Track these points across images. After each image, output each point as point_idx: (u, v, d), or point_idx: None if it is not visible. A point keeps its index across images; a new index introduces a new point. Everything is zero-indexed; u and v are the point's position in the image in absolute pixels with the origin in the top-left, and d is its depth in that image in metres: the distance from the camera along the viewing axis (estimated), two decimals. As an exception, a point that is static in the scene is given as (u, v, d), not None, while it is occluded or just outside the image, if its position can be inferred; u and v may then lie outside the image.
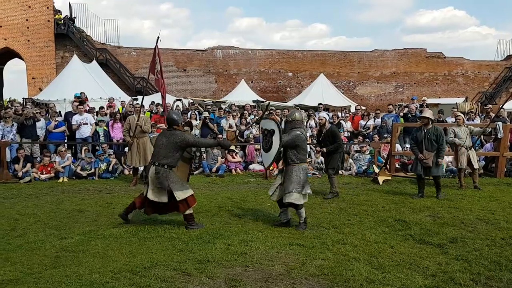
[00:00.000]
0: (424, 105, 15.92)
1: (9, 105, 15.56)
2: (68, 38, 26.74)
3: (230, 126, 13.59)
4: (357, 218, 7.05)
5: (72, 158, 11.75)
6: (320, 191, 9.40)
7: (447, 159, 12.10)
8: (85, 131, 12.21)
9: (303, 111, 16.46)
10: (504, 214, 7.36)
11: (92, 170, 11.28)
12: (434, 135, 8.66)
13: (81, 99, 14.41)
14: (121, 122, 12.38)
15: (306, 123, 14.02)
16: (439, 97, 28.99)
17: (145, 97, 11.75)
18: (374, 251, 5.34)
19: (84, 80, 18.26)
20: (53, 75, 24.94)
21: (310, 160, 12.83)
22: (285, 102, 25.51)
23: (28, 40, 25.91)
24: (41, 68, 26.12)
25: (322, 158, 12.54)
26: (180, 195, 6.18)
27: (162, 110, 13.34)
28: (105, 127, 12.53)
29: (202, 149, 12.55)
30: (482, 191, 9.54)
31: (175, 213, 7.10)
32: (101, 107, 13.72)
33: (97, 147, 12.18)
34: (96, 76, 20.03)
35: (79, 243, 5.58)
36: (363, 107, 17.68)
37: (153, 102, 15.72)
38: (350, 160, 12.44)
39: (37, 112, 12.69)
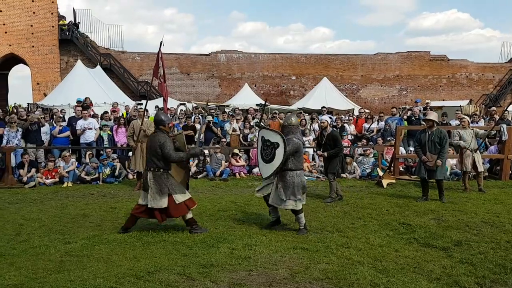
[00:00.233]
0: (428, 108, 15.88)
1: (14, 111, 15.63)
2: (73, 43, 26.87)
3: (234, 130, 13.61)
4: (361, 222, 7.04)
5: (77, 163, 11.79)
6: (324, 195, 9.39)
7: (452, 161, 12.06)
8: (90, 136, 12.25)
9: (306, 114, 16.50)
10: (509, 217, 7.33)
11: (96, 175, 11.32)
12: (438, 138, 8.64)
13: (85, 104, 14.48)
14: (125, 126, 12.43)
15: (310, 126, 14.03)
16: (443, 100, 28.92)
17: (149, 101, 11.81)
18: (378, 255, 5.32)
19: (88, 85, 18.35)
20: (58, 81, 25.05)
21: (314, 163, 12.84)
22: (289, 106, 25.52)
23: (33, 46, 26.05)
24: (46, 73, 26.24)
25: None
26: (179, 198, 6.17)
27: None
28: (109, 132, 12.57)
29: (206, 153, 12.58)
30: (487, 194, 9.51)
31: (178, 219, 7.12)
32: (105, 112, 13.77)
33: (101, 152, 12.21)
34: (100, 81, 20.12)
35: (84, 248, 5.60)
36: (366, 110, 17.64)
37: (157, 107, 15.78)
38: (354, 163, 12.43)
39: (41, 117, 12.75)
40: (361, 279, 4.55)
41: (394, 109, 14.67)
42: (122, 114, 15.04)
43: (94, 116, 13.36)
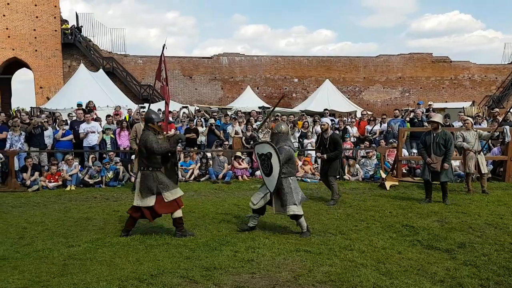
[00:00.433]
0: (431, 109, 15.86)
1: (18, 115, 15.69)
2: (75, 47, 26.98)
3: (236, 133, 13.62)
4: (364, 224, 7.02)
5: (80, 166, 11.82)
6: (326, 197, 9.38)
7: (455, 163, 12.03)
8: (93, 139, 12.28)
9: (309, 116, 16.50)
10: (513, 218, 7.30)
11: (99, 178, 11.35)
12: (442, 139, 8.62)
13: (89, 108, 14.52)
14: (128, 130, 12.45)
15: (312, 128, 14.03)
16: (446, 102, 28.88)
17: (151, 104, 11.84)
18: (381, 257, 5.31)
19: (91, 88, 18.41)
20: (61, 84, 25.16)
21: (317, 166, 12.82)
22: (291, 108, 25.52)
23: (36, 50, 26.18)
24: (49, 77, 26.36)
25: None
26: (168, 196, 6.15)
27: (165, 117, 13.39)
28: (112, 135, 12.60)
29: (209, 156, 12.59)
30: (490, 196, 9.48)
31: (183, 220, 7.12)
32: (108, 115, 13.80)
33: (104, 155, 12.24)
34: (103, 84, 20.18)
35: (87, 251, 5.60)
36: (369, 112, 17.64)
37: (159, 110, 15.80)
38: (357, 166, 12.41)
39: (44, 121, 12.79)
40: (364, 281, 4.54)
41: (397, 111, 14.66)
42: (125, 118, 15.07)
43: (97, 119, 13.38)
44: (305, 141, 13.37)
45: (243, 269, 4.93)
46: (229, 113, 18.52)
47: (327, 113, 16.29)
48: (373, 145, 13.39)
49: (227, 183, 11.68)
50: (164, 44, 10.27)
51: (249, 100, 23.97)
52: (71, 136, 12.31)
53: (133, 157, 11.30)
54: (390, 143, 12.63)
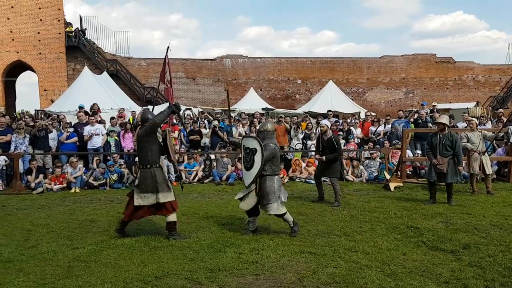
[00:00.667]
0: (435, 110, 15.82)
1: (22, 117, 15.75)
2: (79, 50, 27.08)
3: (240, 134, 13.62)
4: (369, 225, 7.01)
5: (84, 168, 11.85)
6: (330, 199, 9.37)
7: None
8: (97, 142, 12.33)
9: (312, 118, 16.48)
10: (518, 219, 7.27)
11: (104, 181, 11.38)
12: (449, 141, 8.60)
13: (93, 110, 14.56)
14: (132, 132, 12.49)
15: (316, 130, 14.01)
16: (450, 102, 28.81)
17: (155, 107, 11.85)
18: (386, 259, 5.30)
19: (95, 91, 18.43)
20: (65, 87, 25.22)
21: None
22: (295, 110, 25.50)
23: (40, 53, 26.28)
24: (53, 80, 26.44)
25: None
26: (161, 197, 6.13)
27: (181, 119, 13.43)
28: (116, 137, 12.63)
29: (212, 157, 12.60)
30: (495, 196, 9.45)
31: (188, 221, 7.14)
32: (112, 118, 13.84)
33: (109, 157, 12.27)
34: (107, 87, 20.22)
35: (91, 253, 5.61)
36: (373, 113, 17.59)
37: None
38: (361, 167, 12.39)
39: (49, 124, 12.84)
40: (369, 283, 4.53)
41: (401, 112, 14.62)
42: (129, 120, 15.10)
43: (101, 121, 13.43)
44: (309, 142, 13.36)
45: (247, 271, 4.93)
46: (232, 115, 18.52)
47: (331, 114, 16.27)
48: (377, 146, 13.37)
49: (231, 184, 11.69)
50: (168, 46, 10.29)
51: (252, 102, 23.95)
52: (75, 139, 12.35)
53: (137, 159, 11.32)
54: (393, 144, 12.60)
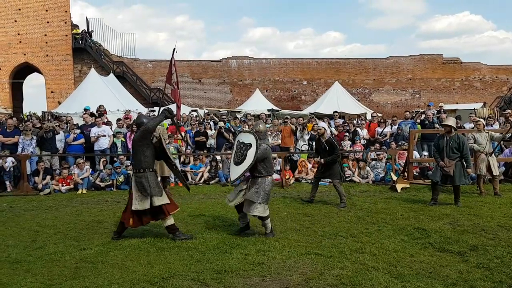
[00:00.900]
0: (442, 111, 15.74)
1: (29, 119, 15.86)
2: (86, 52, 27.23)
3: (246, 136, 13.59)
4: (376, 227, 6.99)
5: (91, 169, 11.90)
6: (336, 200, 9.35)
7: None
8: (103, 143, 12.38)
9: (318, 119, 16.44)
10: (526, 220, 7.22)
11: (110, 182, 11.43)
12: (456, 143, 8.55)
13: (99, 112, 14.62)
14: (138, 133, 12.49)
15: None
16: (457, 103, 28.65)
17: (161, 108, 11.89)
18: (393, 260, 5.28)
19: (101, 93, 18.51)
20: (72, 89, 25.36)
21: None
22: (300, 111, 25.49)
23: (47, 55, 26.45)
24: (60, 82, 26.60)
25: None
26: (155, 201, 6.14)
27: (174, 121, 13.42)
28: (122, 139, 12.68)
29: (218, 159, 12.60)
30: (503, 198, 9.39)
31: (193, 223, 7.15)
32: (119, 119, 13.90)
33: (115, 159, 12.32)
34: (114, 88, 20.30)
35: (98, 254, 5.64)
36: (379, 114, 17.53)
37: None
38: (367, 168, 12.36)
39: (56, 125, 12.91)
40: (376, 284, 4.51)
41: (407, 113, 14.54)
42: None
43: (108, 123, 13.48)
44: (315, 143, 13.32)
45: (253, 272, 4.93)
46: (238, 116, 18.54)
47: (337, 115, 16.24)
48: (384, 147, 13.32)
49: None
50: (174, 48, 10.32)
51: (258, 103, 23.97)
52: (82, 140, 12.41)
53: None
54: (399, 146, 12.56)
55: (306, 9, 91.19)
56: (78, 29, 27.70)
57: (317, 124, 14.58)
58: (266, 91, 29.53)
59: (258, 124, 6.78)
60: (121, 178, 11.48)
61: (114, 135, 12.69)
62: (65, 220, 7.77)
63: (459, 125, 13.42)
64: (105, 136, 12.43)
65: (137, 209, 6.14)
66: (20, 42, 26.10)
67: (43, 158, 11.80)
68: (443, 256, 5.46)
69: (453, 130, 8.70)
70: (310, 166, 12.51)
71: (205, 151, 13.38)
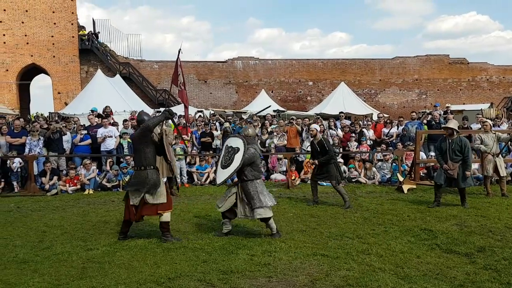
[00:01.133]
0: (449, 111, 15.67)
1: (36, 120, 15.94)
2: (92, 53, 27.34)
3: (252, 136, 13.60)
4: (382, 228, 6.96)
5: (97, 170, 11.95)
6: (342, 203, 9.34)
7: (474, 166, 11.85)
8: (110, 144, 12.43)
9: (324, 119, 16.41)
10: (534, 222, 7.16)
11: (117, 182, 11.47)
12: (458, 146, 8.50)
13: (106, 112, 14.68)
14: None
15: (327, 132, 13.97)
16: (464, 104, 28.46)
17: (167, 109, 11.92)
18: (400, 261, 5.26)
19: (108, 93, 18.58)
20: (78, 90, 25.48)
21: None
22: (306, 111, 25.45)
23: (54, 56, 26.59)
24: (66, 83, 26.73)
25: (344, 167, 12.48)
26: (149, 199, 6.15)
27: (184, 121, 13.48)
28: (129, 140, 12.71)
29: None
30: (510, 199, 9.34)
31: (199, 223, 7.17)
32: (125, 120, 13.95)
33: (122, 159, 12.37)
34: (120, 89, 20.36)
35: (105, 254, 5.66)
36: (385, 115, 17.46)
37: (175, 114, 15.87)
38: (374, 169, 12.33)
39: (63, 126, 12.98)
40: (383, 286, 4.50)
41: (414, 114, 14.48)
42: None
43: (114, 124, 13.53)
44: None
45: (260, 273, 4.93)
46: (244, 117, 18.54)
47: (343, 116, 16.20)
48: (390, 148, 13.27)
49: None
50: (180, 49, 10.38)
51: (263, 104, 23.89)
52: (89, 141, 12.46)
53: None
54: (406, 146, 12.50)
55: (312, 10, 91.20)
56: (85, 30, 27.82)
57: (322, 124, 14.57)
58: (272, 91, 29.51)
59: (247, 129, 6.80)
60: (127, 178, 11.49)
61: (120, 136, 12.74)
62: (72, 221, 7.80)
63: (466, 125, 13.37)
64: (111, 137, 12.48)
65: (134, 204, 6.19)
66: (27, 43, 26.26)
67: (50, 159, 11.86)
68: (450, 257, 5.44)
69: (455, 133, 8.65)
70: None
71: (211, 152, 13.39)
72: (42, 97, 61.89)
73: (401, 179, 10.99)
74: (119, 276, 4.86)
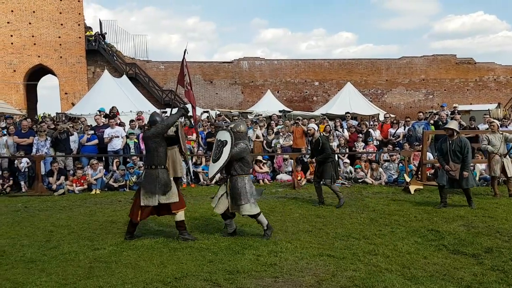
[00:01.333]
0: (456, 112, 15.59)
1: (44, 120, 16.03)
2: (99, 54, 27.46)
3: (257, 137, 13.63)
4: (389, 228, 6.94)
5: (104, 170, 12.01)
6: (349, 202, 9.32)
7: (481, 167, 11.80)
8: (117, 144, 12.48)
9: (330, 120, 16.38)
10: (542, 223, 7.11)
11: (124, 182, 11.51)
12: (458, 147, 8.46)
13: (112, 113, 14.74)
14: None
15: (334, 132, 13.95)
16: (471, 104, 28.29)
17: (173, 109, 11.95)
18: (406, 262, 5.24)
19: (114, 94, 18.67)
20: (85, 90, 25.61)
21: (339, 169, 12.72)
22: (312, 112, 25.41)
23: (61, 57, 26.73)
24: (73, 83, 26.87)
25: (351, 168, 12.46)
26: (163, 199, 6.18)
27: (190, 122, 13.47)
28: (135, 140, 12.77)
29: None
30: (518, 200, 9.26)
31: (206, 223, 7.18)
32: (132, 120, 14.00)
33: (128, 159, 12.42)
34: (126, 90, 20.44)
35: (112, 254, 5.68)
36: (392, 115, 17.40)
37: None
38: (380, 169, 12.29)
39: (70, 126, 13.05)
40: (389, 286, 4.48)
41: (421, 114, 14.42)
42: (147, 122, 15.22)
43: (121, 124, 13.59)
44: (327, 144, 13.27)
45: (266, 273, 4.93)
46: (249, 117, 18.55)
47: (349, 116, 16.16)
48: (397, 148, 13.23)
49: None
50: (185, 49, 10.35)
51: (269, 104, 23.92)
52: (96, 141, 12.52)
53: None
54: (413, 146, 12.45)
55: (318, 10, 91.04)
56: (92, 31, 27.96)
57: (328, 125, 14.55)
58: (278, 92, 29.50)
59: (239, 125, 6.78)
60: (134, 179, 11.55)
61: (127, 136, 12.78)
62: (79, 220, 7.84)
63: (473, 126, 13.30)
64: (118, 137, 12.53)
65: (145, 204, 6.20)
66: (35, 44, 26.43)
67: (57, 159, 11.93)
68: (457, 258, 5.41)
69: (455, 133, 8.60)
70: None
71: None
72: (49, 97, 62.40)
73: (407, 179, 10.95)
74: (126, 275, 4.87)
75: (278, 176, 12.81)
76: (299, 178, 11.95)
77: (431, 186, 10.90)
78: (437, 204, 8.77)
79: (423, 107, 28.26)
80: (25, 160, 11.51)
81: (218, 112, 20.51)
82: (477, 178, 11.52)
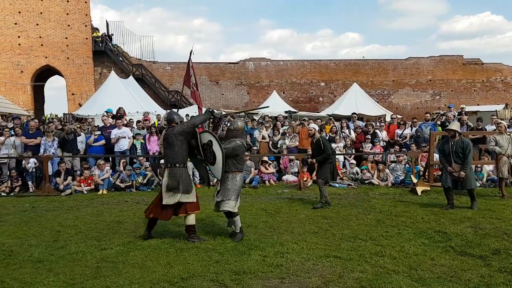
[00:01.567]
0: (463, 112, 15.51)
1: (51, 121, 16.14)
2: (106, 54, 27.59)
3: (263, 137, 13.64)
4: (396, 230, 6.91)
5: (111, 171, 12.06)
6: (356, 203, 9.29)
7: (488, 168, 11.73)
8: (123, 145, 12.53)
9: (336, 121, 16.35)
10: (551, 225, 7.06)
11: (130, 183, 11.56)
12: (460, 148, 8.42)
13: (119, 114, 14.80)
14: (157, 135, 12.65)
15: (340, 133, 13.92)
16: (478, 105, 28.14)
17: (179, 110, 11.98)
18: (413, 264, 5.22)
19: (121, 95, 18.76)
20: (92, 91, 25.76)
21: (345, 170, 12.71)
22: (318, 112, 25.38)
23: (68, 58, 26.90)
24: (80, 84, 27.03)
25: (357, 169, 12.44)
26: (183, 198, 6.19)
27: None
28: (142, 140, 12.81)
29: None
30: (526, 201, 9.19)
31: (212, 224, 7.19)
32: (138, 121, 14.06)
33: (135, 160, 12.46)
34: (133, 91, 20.54)
35: (119, 254, 5.70)
36: (398, 116, 17.34)
37: (187, 115, 15.97)
38: (387, 170, 12.25)
39: (77, 127, 13.12)
40: (396, 288, 4.47)
41: (428, 115, 14.35)
42: (154, 123, 15.29)
43: (128, 125, 13.65)
44: (333, 145, 13.25)
45: (272, 274, 4.93)
46: (255, 118, 18.54)
47: (355, 117, 16.12)
48: (404, 149, 13.17)
49: (254, 187, 11.70)
50: (191, 50, 10.40)
51: (275, 105, 23.87)
52: (103, 142, 12.58)
53: (162, 161, 11.45)
54: (420, 147, 12.39)
55: (324, 11, 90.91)
56: (98, 32, 28.11)
57: (335, 125, 14.52)
58: (283, 92, 29.49)
59: (236, 122, 6.76)
60: (140, 179, 11.60)
61: (133, 137, 12.83)
62: (86, 220, 7.88)
63: (480, 127, 13.23)
64: (125, 137, 12.58)
65: (167, 203, 6.18)
66: (42, 45, 26.61)
67: (64, 159, 12.00)
68: (465, 260, 5.38)
69: (457, 134, 8.56)
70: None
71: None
72: (56, 98, 62.70)
73: (414, 180, 10.90)
74: (133, 275, 4.89)
75: (284, 177, 12.79)
76: (305, 179, 11.94)
77: (438, 188, 10.83)
78: (444, 205, 8.73)
79: (430, 108, 28.15)
80: (32, 160, 11.58)
81: (224, 113, 20.54)
82: (484, 180, 11.47)
